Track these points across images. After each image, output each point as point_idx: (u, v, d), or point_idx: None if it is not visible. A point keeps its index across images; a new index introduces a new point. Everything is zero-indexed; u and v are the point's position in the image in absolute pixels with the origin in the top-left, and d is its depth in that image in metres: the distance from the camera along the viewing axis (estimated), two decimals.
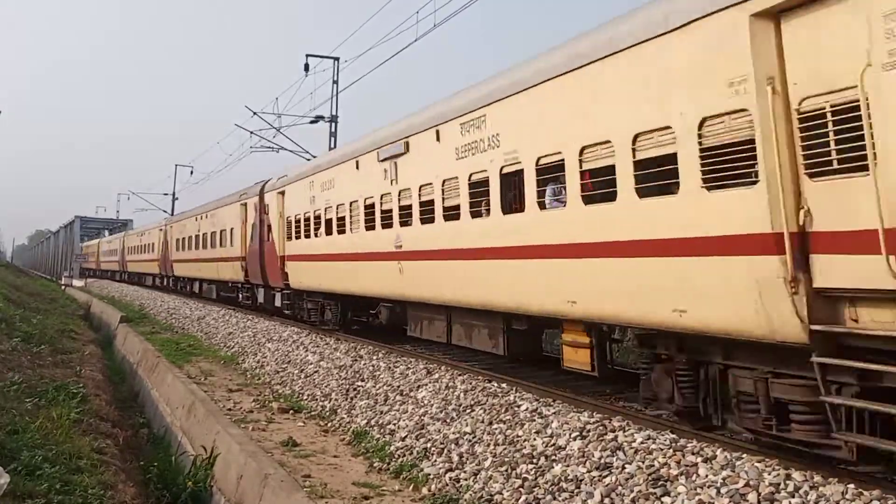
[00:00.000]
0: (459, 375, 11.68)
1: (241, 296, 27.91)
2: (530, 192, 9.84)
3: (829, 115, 6.10)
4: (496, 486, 7.46)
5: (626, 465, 7.01)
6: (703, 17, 7.14)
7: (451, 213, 11.86)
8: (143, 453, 11.39)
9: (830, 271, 6.22)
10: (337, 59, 32.11)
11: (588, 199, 8.76)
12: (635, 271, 7.93)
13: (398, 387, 11.84)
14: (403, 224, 13.59)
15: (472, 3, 18.42)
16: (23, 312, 22.31)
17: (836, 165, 6.10)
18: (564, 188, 9.19)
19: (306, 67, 30.99)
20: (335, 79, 31.93)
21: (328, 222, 17.36)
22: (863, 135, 5.80)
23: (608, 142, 8.34)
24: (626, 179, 8.07)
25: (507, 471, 7.68)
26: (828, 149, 6.16)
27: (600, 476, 6.97)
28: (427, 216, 12.67)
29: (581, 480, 7.01)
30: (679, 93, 7.40)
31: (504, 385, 10.70)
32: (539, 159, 9.66)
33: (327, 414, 11.83)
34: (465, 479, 7.87)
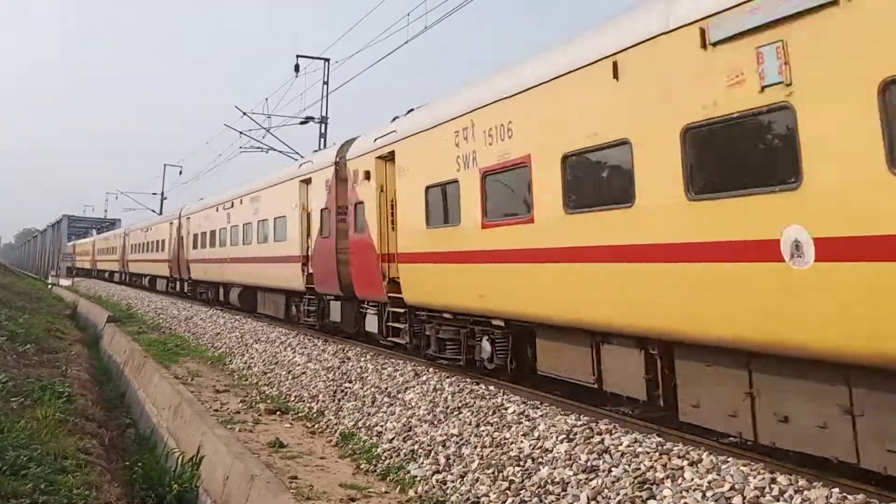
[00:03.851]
0: (447, 378, 11.68)
1: None
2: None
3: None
4: (483, 488, 7.47)
5: (613, 468, 7.03)
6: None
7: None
8: (129, 454, 11.33)
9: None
10: (327, 60, 32.13)
11: None
12: None
13: (386, 388, 11.84)
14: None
15: (464, 5, 18.44)
16: (8, 311, 22.16)
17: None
18: None
19: (297, 68, 30.96)
20: (325, 80, 31.92)
21: None
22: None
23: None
24: None
25: (493, 473, 7.69)
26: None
27: (587, 479, 6.98)
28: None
29: (567, 483, 7.02)
30: None
31: (492, 387, 10.71)
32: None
33: (314, 415, 11.81)
34: (452, 482, 7.87)
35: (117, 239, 57.69)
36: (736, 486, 6.15)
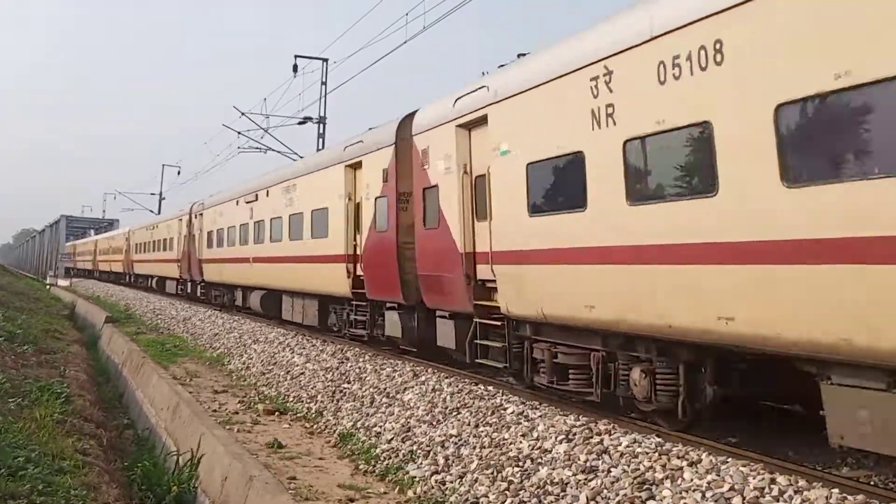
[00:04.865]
0: (446, 378, 11.67)
1: None
2: None
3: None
4: (482, 488, 7.46)
5: (612, 469, 7.02)
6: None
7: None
8: (128, 454, 11.31)
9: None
10: (326, 60, 32.10)
11: None
12: None
13: (384, 389, 11.83)
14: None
15: (463, 5, 18.39)
16: (6, 312, 22.12)
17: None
18: None
19: (295, 68, 30.95)
20: (324, 80, 31.90)
21: None
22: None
23: None
24: None
25: (492, 474, 7.68)
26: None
27: (586, 479, 6.97)
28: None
29: (567, 483, 7.01)
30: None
31: (490, 388, 10.70)
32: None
33: (313, 416, 11.80)
34: (451, 482, 7.86)
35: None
36: (735, 487, 6.14)
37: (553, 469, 7.34)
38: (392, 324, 14.12)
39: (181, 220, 33.87)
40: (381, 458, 9.14)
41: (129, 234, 50.78)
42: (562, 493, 6.90)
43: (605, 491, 6.69)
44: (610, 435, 7.80)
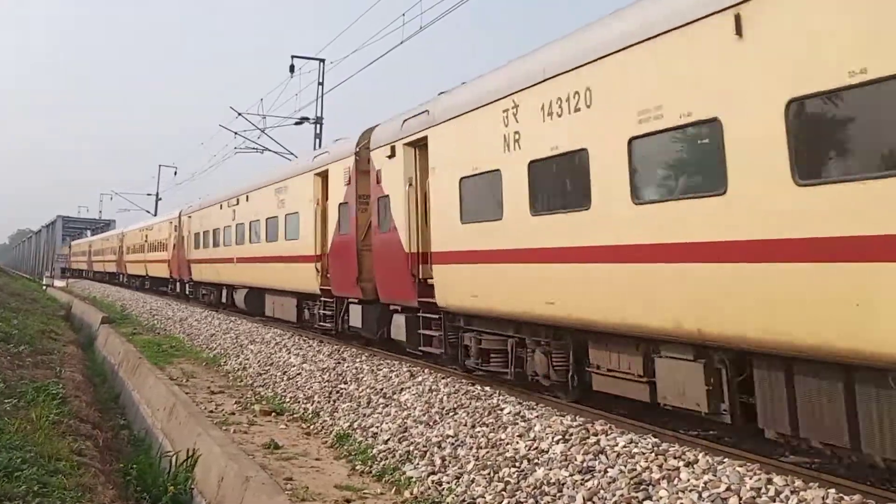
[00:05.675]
0: (442, 378, 11.66)
1: None
2: None
3: None
4: (478, 489, 7.45)
5: (609, 469, 7.02)
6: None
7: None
8: (124, 455, 11.28)
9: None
10: (322, 60, 32.08)
11: None
12: None
13: (381, 389, 11.81)
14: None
15: (460, 5, 18.39)
16: (2, 312, 22.07)
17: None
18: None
19: (291, 69, 30.94)
20: (320, 80, 31.88)
21: None
22: None
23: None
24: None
25: (489, 474, 7.68)
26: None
27: (582, 480, 6.97)
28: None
29: (563, 484, 7.01)
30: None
31: (487, 388, 10.70)
32: None
33: (310, 416, 11.79)
34: (448, 483, 7.86)
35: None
36: (732, 487, 6.14)
37: (550, 469, 7.34)
38: None
39: (302, 176, 18.27)
40: (378, 459, 9.13)
41: (177, 221, 34.24)
42: (558, 494, 6.89)
43: (601, 491, 6.69)
44: (606, 435, 7.79)
